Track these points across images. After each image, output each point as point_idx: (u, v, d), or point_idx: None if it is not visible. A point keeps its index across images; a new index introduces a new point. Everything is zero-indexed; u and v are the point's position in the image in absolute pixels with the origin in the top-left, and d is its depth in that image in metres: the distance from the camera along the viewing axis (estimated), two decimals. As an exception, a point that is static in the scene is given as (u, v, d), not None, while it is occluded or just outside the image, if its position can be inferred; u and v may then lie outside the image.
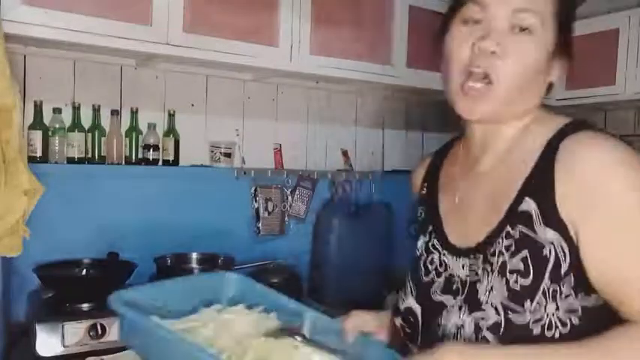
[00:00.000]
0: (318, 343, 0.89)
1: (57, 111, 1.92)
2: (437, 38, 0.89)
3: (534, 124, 0.85)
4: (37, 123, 1.88)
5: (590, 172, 0.74)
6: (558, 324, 0.75)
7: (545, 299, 0.75)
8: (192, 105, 2.24)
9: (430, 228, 0.94)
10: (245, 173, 2.29)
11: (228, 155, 2.25)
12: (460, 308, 0.83)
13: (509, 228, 0.79)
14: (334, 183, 2.55)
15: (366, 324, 0.98)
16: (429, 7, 2.35)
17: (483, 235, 0.82)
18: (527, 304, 0.75)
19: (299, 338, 0.88)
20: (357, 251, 2.40)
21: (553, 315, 0.75)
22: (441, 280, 0.88)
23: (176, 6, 1.78)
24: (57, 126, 1.91)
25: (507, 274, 0.77)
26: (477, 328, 0.79)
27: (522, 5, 0.80)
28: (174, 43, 1.78)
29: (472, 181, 0.90)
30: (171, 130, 2.13)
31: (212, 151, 2.25)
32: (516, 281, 0.76)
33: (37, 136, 1.86)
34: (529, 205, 0.78)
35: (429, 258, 0.92)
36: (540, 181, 0.77)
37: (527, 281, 0.76)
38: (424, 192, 1.01)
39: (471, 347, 0.75)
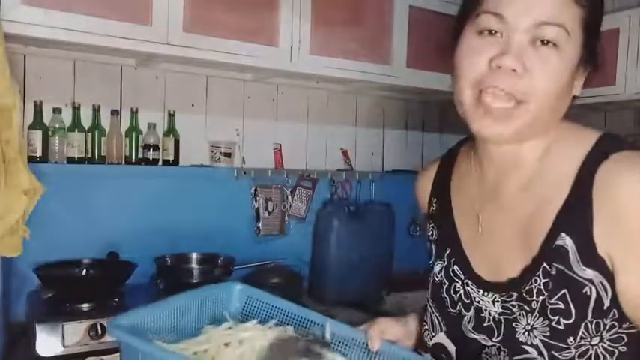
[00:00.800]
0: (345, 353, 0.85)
1: (57, 111, 1.92)
2: (450, 46, 0.81)
3: (561, 142, 0.78)
4: (37, 123, 1.88)
5: (631, 206, 0.68)
6: (605, 354, 0.74)
7: (589, 333, 0.73)
8: (193, 105, 2.24)
9: (448, 251, 0.88)
10: (245, 173, 2.29)
11: (228, 155, 2.25)
12: (499, 350, 0.79)
13: (545, 265, 0.74)
14: (334, 183, 2.54)
15: (391, 330, 0.94)
16: (429, 7, 2.35)
17: (517, 271, 0.77)
18: (571, 339, 0.73)
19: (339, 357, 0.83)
20: (357, 251, 2.40)
21: (598, 346, 0.73)
22: (471, 313, 0.83)
23: (176, 6, 1.78)
24: (57, 126, 1.91)
25: (549, 314, 0.74)
26: None
27: (546, 17, 0.71)
28: (174, 43, 1.78)
29: (496, 208, 0.83)
30: (171, 130, 2.13)
31: (212, 151, 2.25)
32: (558, 322, 0.73)
33: (37, 136, 1.86)
34: (565, 241, 0.73)
35: (452, 286, 0.86)
36: (577, 215, 0.72)
37: (570, 320, 0.73)
38: (434, 209, 0.94)
39: None
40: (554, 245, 0.73)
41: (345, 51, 2.16)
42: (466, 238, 0.86)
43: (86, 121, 1.97)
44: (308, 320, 0.92)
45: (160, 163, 2.11)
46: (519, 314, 0.77)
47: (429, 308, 0.91)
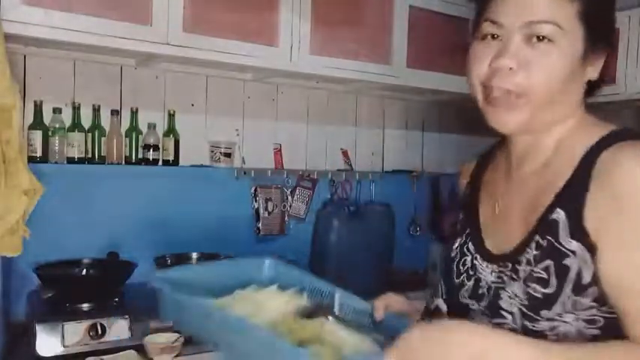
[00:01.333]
0: (346, 321, 0.92)
1: (57, 111, 1.92)
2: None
3: (576, 132, 0.82)
4: (37, 123, 1.88)
5: (619, 183, 0.72)
6: (575, 335, 0.75)
7: (564, 309, 0.75)
8: (192, 105, 2.24)
9: (468, 230, 0.95)
10: (245, 173, 2.29)
11: (228, 155, 2.25)
12: (483, 313, 0.84)
13: (538, 237, 0.78)
14: (334, 183, 2.55)
15: (397, 304, 0.99)
16: (429, 7, 2.36)
17: (515, 243, 0.82)
18: (545, 312, 0.76)
19: (330, 318, 0.91)
20: (357, 251, 2.40)
21: (571, 324, 0.75)
22: (471, 283, 0.89)
23: (176, 6, 1.78)
24: (57, 126, 1.91)
25: (530, 282, 0.78)
26: None
27: (536, 17, 0.77)
28: (174, 43, 1.78)
29: (511, 190, 0.89)
30: (171, 130, 2.13)
31: (212, 151, 2.25)
32: (536, 290, 0.77)
33: (37, 136, 1.86)
34: (559, 215, 0.77)
35: (462, 260, 0.93)
36: (574, 192, 0.76)
37: (548, 290, 0.76)
38: (465, 196, 1.03)
39: (483, 327, 0.74)
40: (549, 219, 0.78)
41: (345, 51, 2.16)
42: (484, 219, 0.93)
43: (86, 121, 1.97)
44: (326, 292, 1.04)
45: (160, 163, 2.11)
46: (508, 283, 0.81)
47: (439, 279, 0.98)
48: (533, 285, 0.77)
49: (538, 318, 0.76)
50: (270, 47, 1.98)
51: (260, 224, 2.34)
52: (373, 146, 2.77)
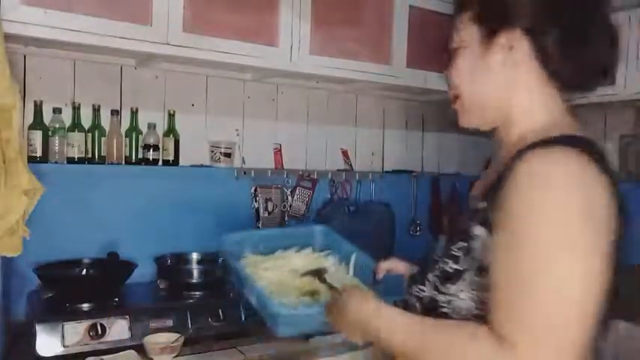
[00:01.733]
0: (331, 285, 1.13)
1: (57, 111, 1.92)
2: None
3: (532, 132, 0.87)
4: (37, 123, 1.88)
5: (515, 181, 0.77)
6: (464, 312, 0.85)
7: (466, 287, 0.85)
8: (193, 105, 2.24)
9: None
10: (245, 173, 2.29)
11: (228, 155, 2.25)
12: (419, 279, 0.96)
13: (470, 223, 0.87)
14: (334, 183, 2.55)
15: (399, 267, 1.21)
16: (429, 7, 2.35)
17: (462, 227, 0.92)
18: (448, 285, 0.87)
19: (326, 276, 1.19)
20: (357, 251, 2.40)
21: (464, 302, 0.85)
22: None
23: (176, 6, 1.78)
24: (57, 126, 1.91)
25: (447, 257, 0.89)
26: (417, 299, 0.94)
27: (454, 30, 0.95)
28: (174, 43, 1.78)
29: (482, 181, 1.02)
30: (171, 130, 2.13)
31: (212, 151, 2.25)
32: (446, 264, 0.88)
33: (37, 136, 1.86)
34: (483, 205, 0.86)
35: (438, 244, 1.02)
36: (494, 188, 0.83)
37: (458, 267, 0.87)
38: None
39: (373, 300, 0.92)
40: (477, 208, 0.88)
41: (345, 51, 2.16)
42: None
43: (86, 121, 1.97)
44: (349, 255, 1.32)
45: (160, 163, 2.11)
46: (441, 258, 0.91)
47: None
48: (448, 260, 0.88)
49: (443, 291, 0.88)
50: (270, 47, 1.98)
51: (260, 224, 2.34)
52: (373, 146, 2.77)
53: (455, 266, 0.86)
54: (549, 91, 0.90)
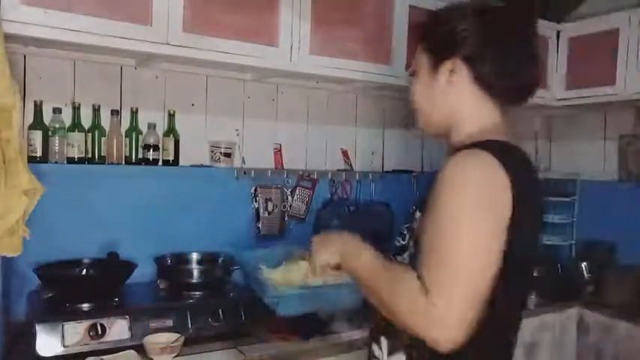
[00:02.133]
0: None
1: (57, 111, 1.92)
2: None
3: (468, 137, 1.10)
4: (37, 123, 1.88)
5: (440, 175, 1.00)
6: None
7: (410, 257, 1.12)
8: (193, 105, 2.24)
9: None
10: (245, 173, 2.30)
11: (228, 155, 2.25)
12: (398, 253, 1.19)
13: (415, 208, 1.16)
14: (334, 183, 2.55)
15: None
16: (429, 7, 2.35)
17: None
18: (399, 257, 1.16)
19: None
20: (357, 251, 2.40)
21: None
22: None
23: (176, 6, 1.78)
24: (57, 126, 1.91)
25: (398, 237, 1.20)
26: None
27: (413, 57, 1.20)
28: (174, 43, 1.78)
29: None
30: (171, 130, 2.13)
31: (212, 151, 2.25)
32: (399, 242, 1.19)
33: (37, 136, 1.86)
34: (428, 197, 1.03)
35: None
36: (432, 182, 1.03)
37: (404, 243, 1.17)
38: None
39: (358, 241, 1.17)
40: (426, 199, 1.05)
41: (345, 51, 2.16)
42: None
43: (86, 121, 1.97)
44: None
45: (160, 163, 2.11)
46: (396, 238, 1.22)
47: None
48: (399, 238, 1.19)
49: (397, 257, 1.17)
50: (270, 47, 1.98)
51: (260, 224, 2.34)
52: (373, 146, 2.77)
53: (402, 242, 1.17)
54: (485, 105, 1.11)
